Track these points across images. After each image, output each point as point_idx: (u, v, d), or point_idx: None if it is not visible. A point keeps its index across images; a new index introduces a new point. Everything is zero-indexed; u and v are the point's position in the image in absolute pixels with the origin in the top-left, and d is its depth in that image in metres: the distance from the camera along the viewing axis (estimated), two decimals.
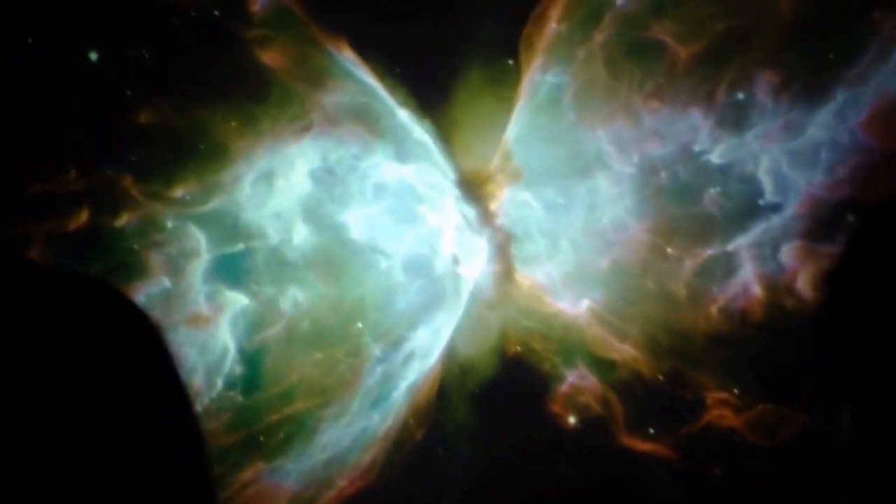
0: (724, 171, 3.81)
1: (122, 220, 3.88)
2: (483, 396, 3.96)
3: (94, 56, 3.73)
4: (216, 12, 3.82)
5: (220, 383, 3.89)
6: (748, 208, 3.80)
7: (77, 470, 0.98)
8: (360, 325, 3.95)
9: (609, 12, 3.77)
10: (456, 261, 4.07)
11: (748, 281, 3.78)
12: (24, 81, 3.69)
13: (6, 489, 0.95)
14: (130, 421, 1.03)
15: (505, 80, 3.89)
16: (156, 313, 1.17)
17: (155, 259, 3.89)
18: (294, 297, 3.92)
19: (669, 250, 3.82)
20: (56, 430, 0.98)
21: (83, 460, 0.99)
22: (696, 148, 3.79)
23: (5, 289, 1.03)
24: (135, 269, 3.90)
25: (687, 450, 3.83)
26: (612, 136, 3.84)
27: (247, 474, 3.89)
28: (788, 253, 3.73)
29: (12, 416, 0.97)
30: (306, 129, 3.92)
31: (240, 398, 3.90)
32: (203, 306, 3.91)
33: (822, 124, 3.70)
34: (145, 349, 1.09)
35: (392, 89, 3.89)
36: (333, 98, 3.91)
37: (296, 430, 3.92)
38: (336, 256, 3.94)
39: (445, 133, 3.91)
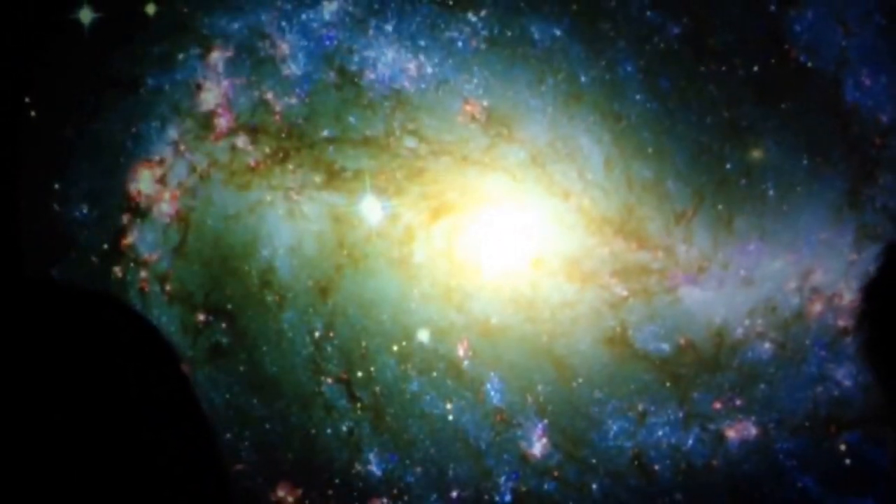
0: None
1: None
2: None
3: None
4: None
5: None
6: None
7: (84, 475, 0.99)
8: None
9: None
10: None
11: None
12: None
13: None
14: (140, 431, 1.04)
15: None
16: None
17: None
18: None
19: None
20: (63, 439, 0.99)
21: (89, 470, 1.00)
22: None
23: (14, 301, 1.05)
24: None
25: None
26: None
27: None
28: None
29: (20, 423, 0.98)
30: None
31: None
32: None
33: None
34: (155, 361, 1.11)
35: None
36: None
37: None
38: None
39: None
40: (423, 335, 3.81)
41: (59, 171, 3.80)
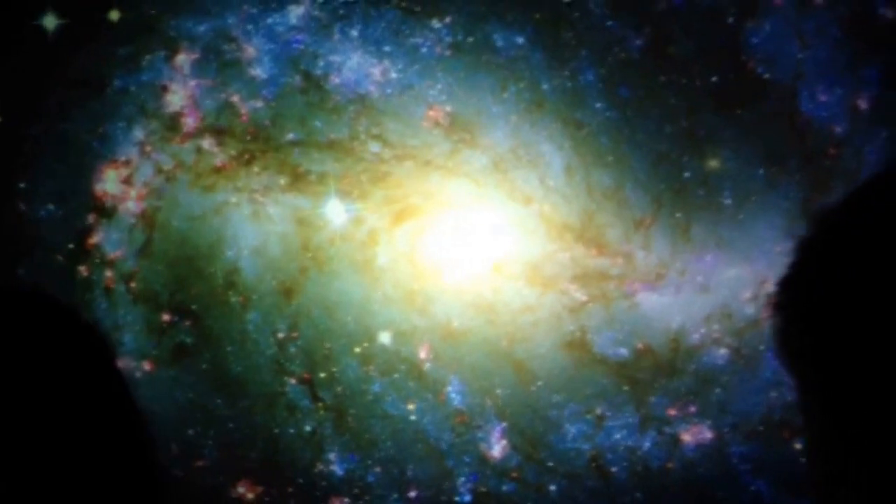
0: None
1: None
2: None
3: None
4: None
5: None
6: None
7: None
8: None
9: None
10: None
11: None
12: None
13: None
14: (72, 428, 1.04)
15: None
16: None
17: None
18: None
19: None
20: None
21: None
22: None
23: None
24: None
25: None
26: None
27: None
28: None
29: None
30: None
31: None
32: None
33: None
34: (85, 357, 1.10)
35: None
36: None
37: None
38: None
39: None
40: (386, 337, 3.86)
41: (26, 171, 3.83)
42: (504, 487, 3.91)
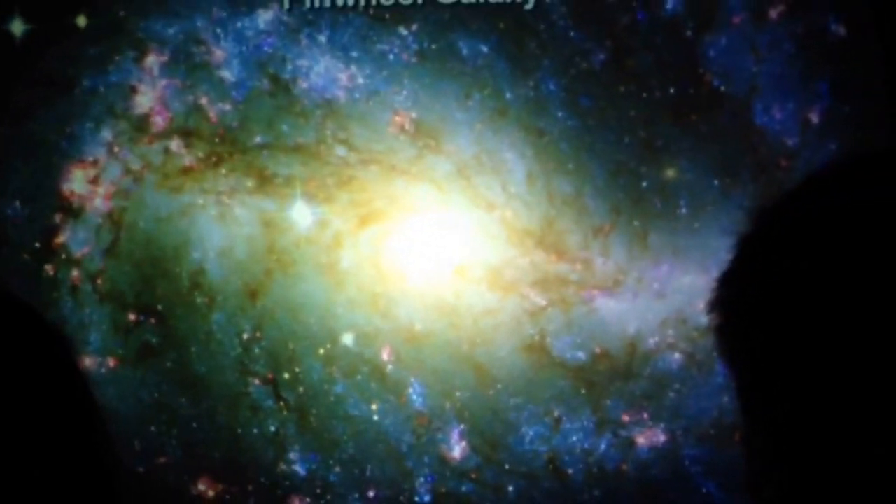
0: None
1: None
2: None
3: None
4: None
5: None
6: None
7: None
8: None
9: None
10: None
11: None
12: None
13: None
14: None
15: None
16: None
17: None
18: None
19: None
20: None
21: None
22: None
23: None
24: None
25: None
26: None
27: None
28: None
29: None
30: None
31: None
32: None
33: None
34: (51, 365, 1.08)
35: None
36: None
37: None
38: None
39: None
40: (349, 339, 3.91)
41: None
42: (463, 488, 3.98)
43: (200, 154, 3.88)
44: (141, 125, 3.89)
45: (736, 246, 0.84)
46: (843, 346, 0.75)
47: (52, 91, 3.85)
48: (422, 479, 3.96)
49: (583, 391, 3.98)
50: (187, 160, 3.90)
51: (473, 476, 3.97)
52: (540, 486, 3.98)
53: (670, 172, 3.95)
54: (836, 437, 0.77)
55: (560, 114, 3.94)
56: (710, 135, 3.98)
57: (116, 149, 3.89)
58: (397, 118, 3.90)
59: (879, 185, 0.80)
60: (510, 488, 3.97)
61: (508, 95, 3.93)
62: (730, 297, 0.83)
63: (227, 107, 3.90)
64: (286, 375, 3.93)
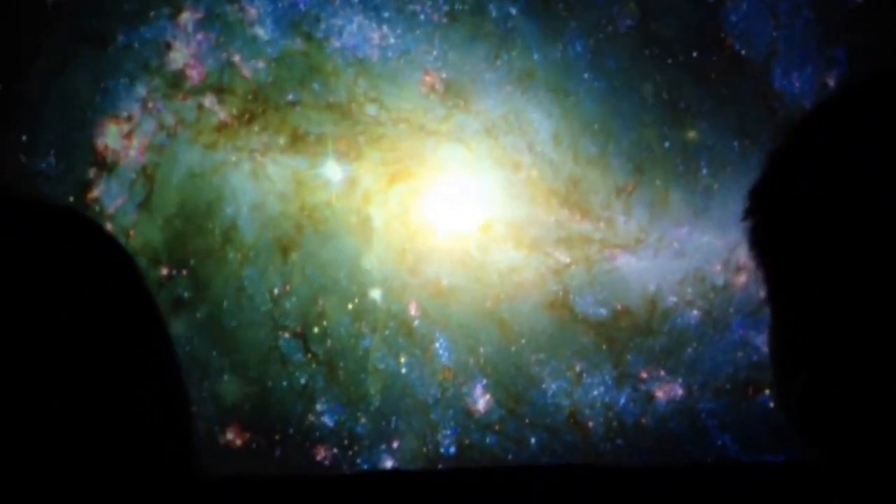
0: None
1: None
2: None
3: None
4: None
5: None
6: None
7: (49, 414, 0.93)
8: None
9: None
10: None
11: None
12: None
13: None
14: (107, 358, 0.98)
15: None
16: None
17: None
18: None
19: None
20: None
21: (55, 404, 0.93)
22: None
23: None
24: None
25: None
26: None
27: None
28: None
29: None
30: None
31: None
32: None
33: None
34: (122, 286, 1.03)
35: None
36: None
37: None
38: None
39: None
40: (377, 294, 3.98)
41: (27, 124, 3.86)
42: (487, 440, 4.07)
43: (233, 111, 3.92)
44: (175, 81, 3.92)
45: (768, 158, 0.89)
46: (872, 241, 0.76)
47: (86, 47, 3.86)
48: (446, 432, 4.04)
49: (604, 347, 4.07)
50: (221, 116, 3.93)
51: (497, 428, 4.06)
52: (561, 438, 4.08)
53: (692, 134, 4.04)
54: (865, 332, 0.76)
55: (586, 75, 4.00)
56: (730, 98, 4.06)
57: (150, 104, 3.92)
58: (427, 78, 3.95)
59: None
60: (532, 440, 4.07)
61: (536, 57, 3.99)
62: (766, 199, 0.86)
63: (261, 64, 3.93)
64: (315, 330, 4.00)
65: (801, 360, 0.79)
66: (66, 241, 0.99)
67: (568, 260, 4.04)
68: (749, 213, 0.84)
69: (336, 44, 3.93)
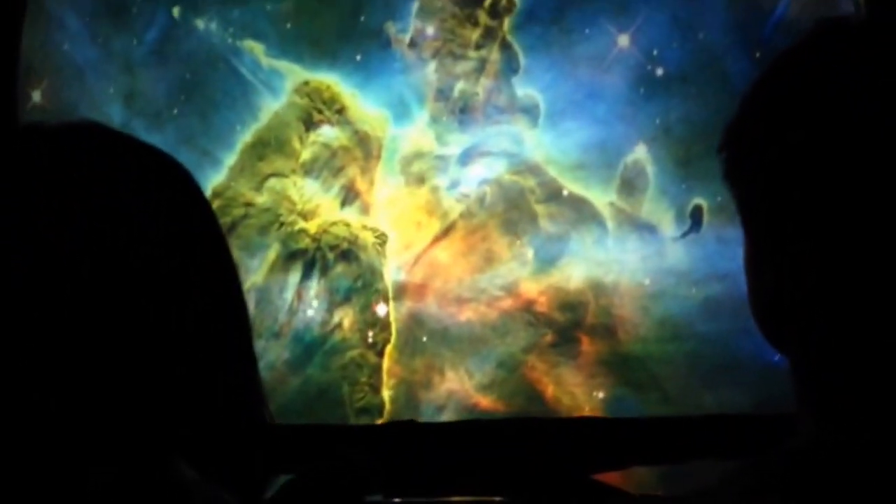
0: None
1: None
2: None
3: None
4: None
5: None
6: None
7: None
8: None
9: None
10: None
11: None
12: None
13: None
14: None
15: None
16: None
17: None
18: None
19: None
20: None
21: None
22: None
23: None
24: None
25: None
26: None
27: None
28: None
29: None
30: None
31: None
32: None
33: None
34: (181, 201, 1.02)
35: None
36: None
37: None
38: None
39: None
40: None
41: None
42: None
43: None
44: None
45: (741, 99, 0.96)
46: (825, 170, 0.87)
47: None
48: None
49: None
50: None
51: None
52: None
53: None
54: (820, 246, 0.88)
55: None
56: None
57: None
58: None
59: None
60: None
61: None
62: (736, 135, 0.95)
63: None
64: None
65: (767, 271, 0.91)
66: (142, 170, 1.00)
67: None
68: (723, 147, 0.95)
69: None
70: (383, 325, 2.70)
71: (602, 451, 2.59)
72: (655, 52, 2.57)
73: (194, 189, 1.02)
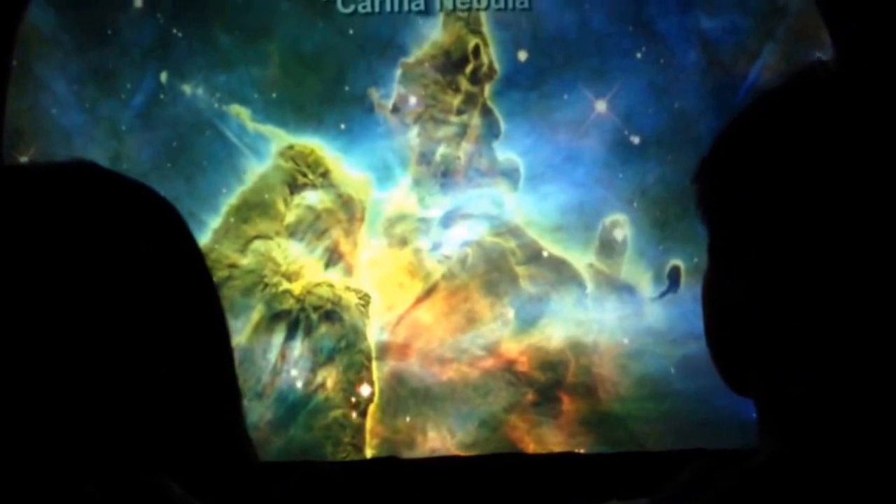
0: None
1: None
2: None
3: None
4: None
5: None
6: None
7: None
8: None
9: None
10: None
11: None
12: None
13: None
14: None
15: None
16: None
17: None
18: None
19: None
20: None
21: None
22: None
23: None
24: None
25: None
26: None
27: None
28: None
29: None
30: None
31: None
32: None
33: None
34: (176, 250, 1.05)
35: None
36: None
37: None
38: None
39: None
40: None
41: None
42: None
43: None
44: None
45: (716, 136, 1.01)
46: (789, 208, 0.91)
47: None
48: None
49: None
50: None
51: None
52: None
53: None
54: (786, 281, 0.91)
55: None
56: None
57: None
58: None
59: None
60: None
61: None
62: (710, 170, 0.99)
63: None
64: None
65: (725, 294, 0.95)
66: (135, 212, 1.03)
67: None
68: (697, 180, 0.99)
69: None
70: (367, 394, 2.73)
71: (582, 487, 2.64)
72: (632, 118, 2.67)
73: (180, 223, 1.06)
